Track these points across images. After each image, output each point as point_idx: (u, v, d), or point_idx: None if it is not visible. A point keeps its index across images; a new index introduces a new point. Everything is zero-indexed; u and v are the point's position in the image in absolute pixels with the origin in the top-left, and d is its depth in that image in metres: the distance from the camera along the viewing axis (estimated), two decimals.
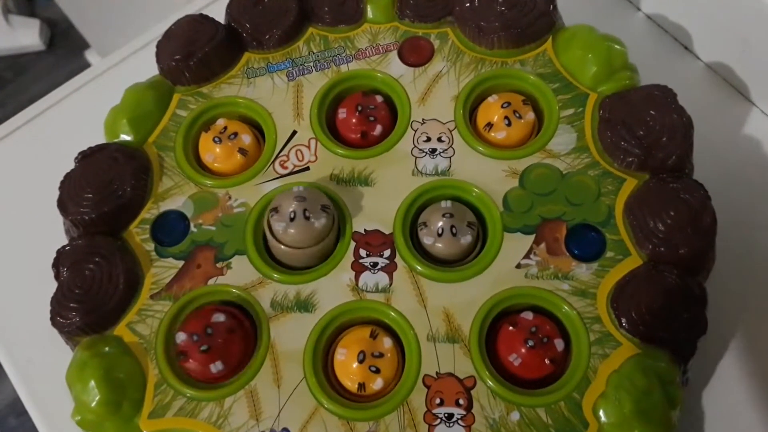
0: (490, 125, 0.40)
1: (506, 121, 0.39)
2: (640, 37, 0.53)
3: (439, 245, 0.36)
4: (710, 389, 0.39)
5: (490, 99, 0.40)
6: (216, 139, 0.41)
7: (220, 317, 0.35)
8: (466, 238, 0.36)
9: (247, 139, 0.42)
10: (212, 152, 0.42)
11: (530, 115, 0.40)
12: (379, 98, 0.41)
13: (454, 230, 0.36)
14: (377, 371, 0.34)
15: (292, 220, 0.36)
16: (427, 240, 0.36)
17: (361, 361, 0.34)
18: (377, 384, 0.34)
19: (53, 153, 0.45)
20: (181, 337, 0.35)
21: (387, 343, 0.35)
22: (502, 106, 0.39)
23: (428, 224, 0.36)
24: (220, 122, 0.41)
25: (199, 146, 0.42)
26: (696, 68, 0.49)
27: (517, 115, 0.40)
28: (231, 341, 0.35)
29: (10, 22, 1.45)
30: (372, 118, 0.41)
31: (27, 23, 1.48)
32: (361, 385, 0.34)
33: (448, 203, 0.37)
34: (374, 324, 0.36)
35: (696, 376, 0.37)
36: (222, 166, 0.41)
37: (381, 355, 0.34)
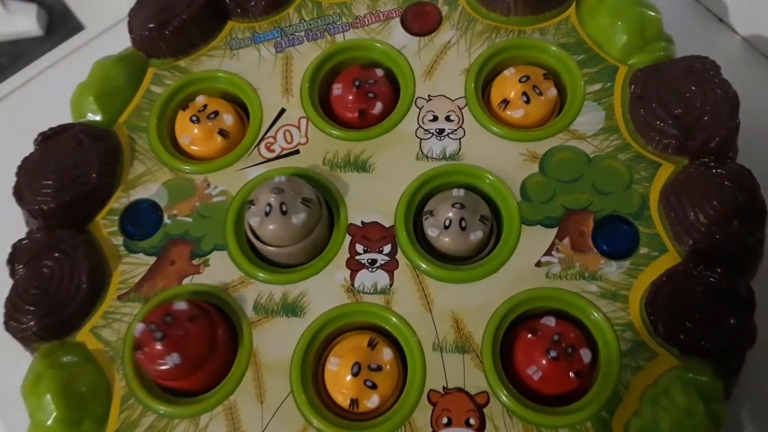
0: (505, 102, 0.37)
1: (524, 98, 0.36)
2: (670, 9, 0.47)
3: (445, 239, 0.33)
4: (755, 404, 0.35)
5: (506, 72, 0.37)
6: (194, 119, 0.37)
7: (181, 305, 0.32)
8: (477, 234, 0.33)
9: (228, 119, 0.38)
10: (189, 133, 0.38)
11: (552, 91, 0.36)
12: (379, 72, 0.38)
13: (463, 223, 0.33)
14: (373, 386, 0.31)
15: (267, 214, 0.33)
16: (431, 231, 0.33)
17: (355, 374, 0.31)
18: (372, 401, 0.31)
19: (20, 137, 0.40)
20: (139, 327, 0.31)
21: (387, 354, 0.31)
22: (519, 81, 0.36)
23: (435, 214, 0.33)
24: (200, 100, 0.38)
25: (176, 127, 0.39)
26: (732, 42, 0.46)
27: (537, 90, 0.36)
28: (192, 331, 0.31)
29: (7, 7, 1.44)
30: (371, 95, 0.37)
31: (24, 8, 1.46)
32: (354, 402, 0.31)
33: (461, 192, 0.34)
34: (373, 330, 0.33)
35: (737, 389, 0.33)
36: (200, 149, 0.38)
37: (379, 368, 0.31)
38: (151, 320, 0.31)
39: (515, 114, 0.36)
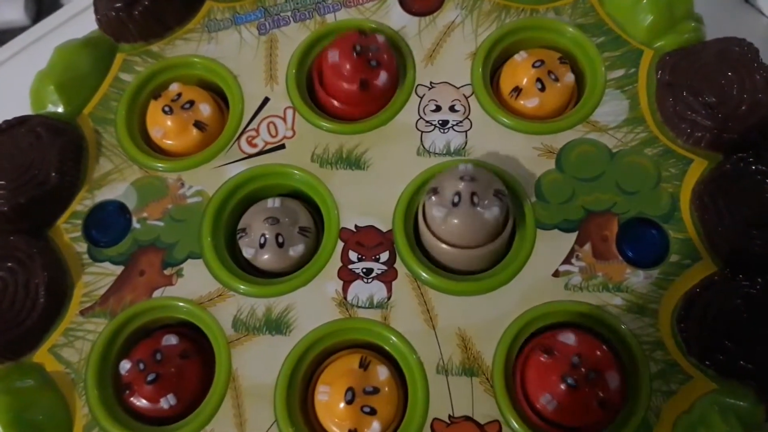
0: (517, 90, 0.35)
1: (539, 85, 0.34)
2: None
3: (455, 221, 0.29)
4: None
5: (517, 57, 0.35)
6: (166, 109, 0.35)
7: (171, 339, 0.31)
8: (492, 211, 0.29)
9: (205, 109, 0.36)
10: (161, 126, 0.36)
11: (569, 77, 0.34)
12: (381, 38, 0.35)
13: (475, 199, 0.29)
14: (372, 412, 0.28)
15: (262, 246, 0.32)
16: (437, 211, 0.30)
17: (349, 401, 0.28)
18: (374, 429, 0.29)
19: None
20: (125, 366, 0.30)
21: (383, 373, 0.29)
22: (533, 66, 0.34)
23: (440, 190, 0.30)
24: (174, 88, 0.36)
25: (147, 118, 0.37)
26: (760, 26, 0.44)
27: (553, 77, 0.34)
28: (186, 369, 0.31)
29: None
30: (374, 63, 0.34)
31: None
32: None
33: (469, 166, 0.30)
34: (365, 348, 0.31)
35: None
36: (174, 143, 0.36)
37: (376, 391, 0.29)
38: (139, 358, 0.30)
39: (529, 103, 0.34)
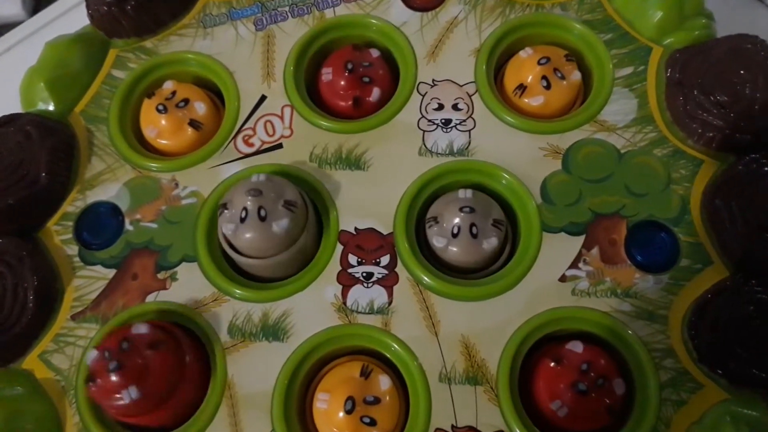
0: (522, 88, 0.34)
1: (544, 83, 0.33)
2: None
3: (454, 249, 0.30)
4: None
5: (522, 53, 0.35)
6: (160, 108, 0.34)
7: (141, 328, 0.29)
8: (490, 242, 0.30)
9: (201, 108, 0.35)
10: (155, 125, 0.35)
11: (575, 75, 0.34)
12: (375, 53, 0.36)
13: (474, 230, 0.30)
14: (372, 423, 0.28)
15: (243, 220, 0.30)
16: (437, 242, 0.31)
17: (349, 411, 0.28)
18: None
19: None
20: (92, 355, 0.28)
21: (384, 383, 0.29)
22: (538, 63, 0.34)
23: (440, 220, 0.31)
24: (168, 86, 0.36)
25: (140, 117, 0.36)
26: None
27: (559, 74, 0.34)
28: (154, 360, 0.28)
29: None
30: (367, 80, 0.35)
31: None
32: None
33: (468, 193, 0.31)
34: (366, 355, 0.30)
35: None
36: (168, 143, 0.35)
37: (377, 401, 0.28)
38: (107, 347, 0.28)
39: (533, 102, 0.34)
